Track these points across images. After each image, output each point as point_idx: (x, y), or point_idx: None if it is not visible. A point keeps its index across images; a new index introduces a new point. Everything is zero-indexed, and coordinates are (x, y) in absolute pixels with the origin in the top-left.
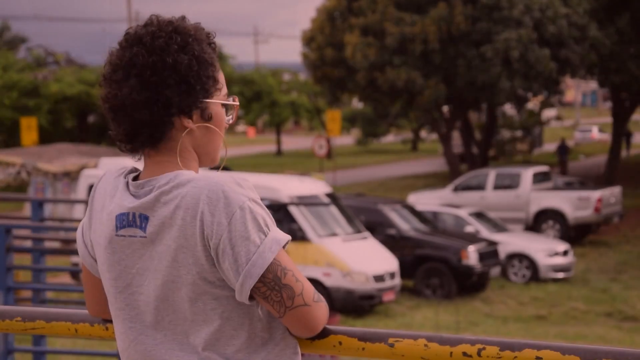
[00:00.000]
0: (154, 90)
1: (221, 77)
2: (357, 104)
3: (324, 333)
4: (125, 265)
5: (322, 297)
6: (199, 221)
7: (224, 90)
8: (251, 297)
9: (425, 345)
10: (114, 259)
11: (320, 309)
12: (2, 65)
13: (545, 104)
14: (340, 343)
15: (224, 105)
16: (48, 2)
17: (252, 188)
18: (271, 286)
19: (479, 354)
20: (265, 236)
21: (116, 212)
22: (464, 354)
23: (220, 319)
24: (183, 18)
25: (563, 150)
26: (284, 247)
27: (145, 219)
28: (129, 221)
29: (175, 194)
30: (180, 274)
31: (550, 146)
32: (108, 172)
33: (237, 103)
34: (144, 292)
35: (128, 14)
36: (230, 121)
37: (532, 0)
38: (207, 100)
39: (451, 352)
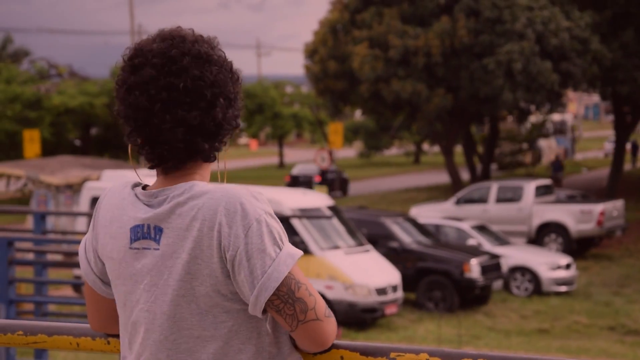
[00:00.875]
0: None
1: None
2: (359, 116)
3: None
4: (136, 281)
5: (332, 313)
6: (217, 232)
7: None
8: (263, 311)
9: (427, 359)
10: (127, 273)
11: (331, 324)
12: (5, 77)
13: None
14: (342, 358)
15: None
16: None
17: (267, 201)
18: (285, 299)
19: None
20: (280, 250)
21: (130, 224)
22: None
23: (229, 333)
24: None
25: (557, 166)
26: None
27: (159, 231)
28: (144, 233)
29: (192, 205)
30: (193, 287)
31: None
32: (113, 187)
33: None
34: (150, 309)
35: (131, 27)
36: None
37: (535, 13)
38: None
39: None
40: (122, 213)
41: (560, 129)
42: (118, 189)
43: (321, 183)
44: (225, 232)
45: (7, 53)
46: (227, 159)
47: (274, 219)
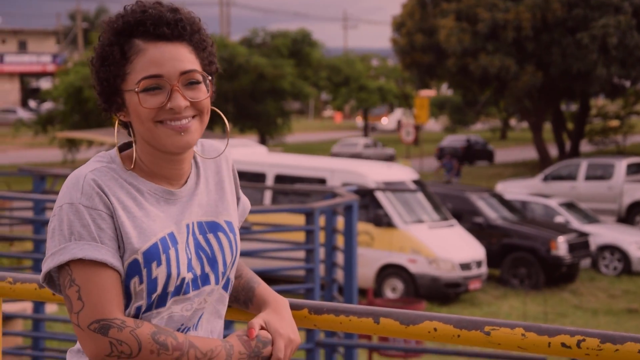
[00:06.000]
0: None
1: (134, 65)
2: (445, 90)
3: (419, 319)
4: None
5: (108, 331)
6: None
7: (135, 76)
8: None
9: (523, 334)
10: None
11: (93, 339)
12: None
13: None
14: (435, 329)
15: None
16: None
17: (88, 188)
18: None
19: (578, 345)
20: (63, 245)
21: None
22: (563, 344)
23: None
24: (124, 7)
25: None
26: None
27: None
28: None
29: None
30: None
31: None
32: None
33: (137, 90)
34: None
35: None
36: (165, 105)
37: None
38: (119, 91)
39: (549, 343)
40: None
41: None
42: None
43: (466, 154)
44: None
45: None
46: (313, 131)
47: (78, 211)
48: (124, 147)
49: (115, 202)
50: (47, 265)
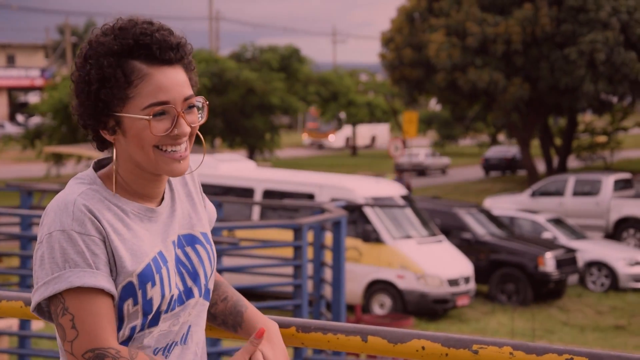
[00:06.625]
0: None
1: (139, 89)
2: (434, 105)
3: (406, 337)
4: None
5: None
6: None
7: (141, 101)
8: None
9: (511, 353)
10: None
11: None
12: None
13: (628, 111)
14: (423, 348)
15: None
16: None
17: (79, 214)
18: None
19: None
20: (57, 274)
21: None
22: None
23: None
24: (102, 27)
25: None
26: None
27: None
28: None
29: None
30: None
31: (632, 153)
32: None
33: (149, 117)
34: None
35: (209, 13)
36: (171, 132)
37: (619, 2)
38: (116, 114)
39: None
40: None
41: None
42: None
43: (510, 164)
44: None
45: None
46: (302, 146)
47: (71, 238)
48: (96, 166)
49: (107, 226)
50: (39, 294)
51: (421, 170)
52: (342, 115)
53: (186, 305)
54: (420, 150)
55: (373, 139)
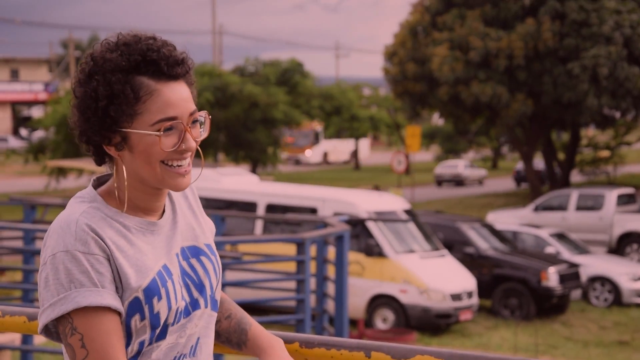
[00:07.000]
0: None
1: (147, 105)
2: (437, 120)
3: (410, 353)
4: None
5: None
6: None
7: (150, 117)
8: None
9: None
10: None
11: None
12: None
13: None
14: None
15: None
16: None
17: (82, 234)
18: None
19: None
20: (62, 295)
21: None
22: None
23: None
24: (104, 43)
25: None
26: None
27: None
28: None
29: None
30: None
31: (635, 168)
32: None
33: (160, 133)
34: None
35: (213, 27)
36: (179, 147)
37: (623, 16)
38: (124, 130)
39: None
40: None
41: None
42: None
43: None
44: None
45: None
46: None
47: (75, 258)
48: (95, 184)
49: (110, 244)
50: (46, 316)
51: (459, 181)
52: (319, 129)
53: (192, 317)
54: (459, 162)
55: (355, 154)
